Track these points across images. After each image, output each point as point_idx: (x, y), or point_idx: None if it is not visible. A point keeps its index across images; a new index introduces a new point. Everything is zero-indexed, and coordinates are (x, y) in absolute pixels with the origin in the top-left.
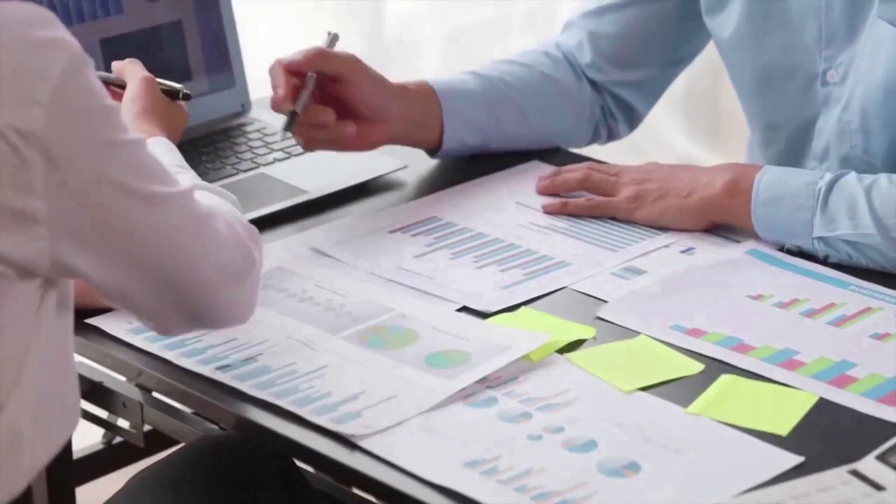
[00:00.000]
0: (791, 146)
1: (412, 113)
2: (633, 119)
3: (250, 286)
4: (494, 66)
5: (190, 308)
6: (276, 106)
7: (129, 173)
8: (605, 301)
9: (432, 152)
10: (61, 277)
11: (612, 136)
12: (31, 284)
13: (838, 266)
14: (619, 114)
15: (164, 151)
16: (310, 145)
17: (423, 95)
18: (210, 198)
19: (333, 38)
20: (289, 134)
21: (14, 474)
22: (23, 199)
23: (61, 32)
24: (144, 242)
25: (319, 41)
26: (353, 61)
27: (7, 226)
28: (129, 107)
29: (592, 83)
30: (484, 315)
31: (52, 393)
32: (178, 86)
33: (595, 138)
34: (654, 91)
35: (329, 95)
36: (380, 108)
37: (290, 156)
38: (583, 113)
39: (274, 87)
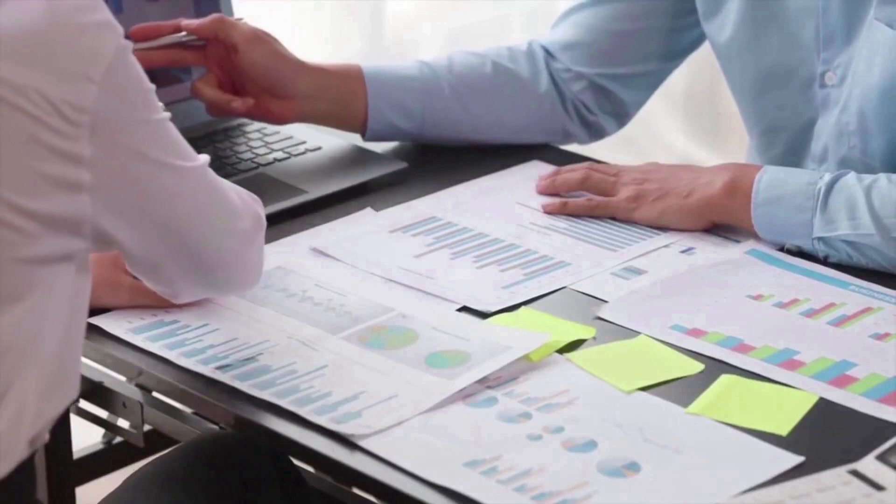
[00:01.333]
0: (789, 149)
1: (326, 92)
2: (622, 115)
3: (258, 247)
4: (446, 56)
5: (211, 271)
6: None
7: (163, 149)
8: (605, 301)
9: (362, 135)
10: (97, 248)
11: (593, 133)
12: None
13: (838, 266)
14: (603, 107)
15: None
16: (211, 110)
17: (346, 77)
18: None
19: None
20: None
21: (15, 445)
22: (72, 169)
23: (110, 16)
24: (176, 212)
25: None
26: (250, 34)
27: (56, 192)
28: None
29: (564, 77)
30: (484, 315)
31: (60, 366)
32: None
33: (568, 136)
34: (644, 86)
35: (232, 66)
36: (280, 83)
37: (290, 156)
38: (540, 107)
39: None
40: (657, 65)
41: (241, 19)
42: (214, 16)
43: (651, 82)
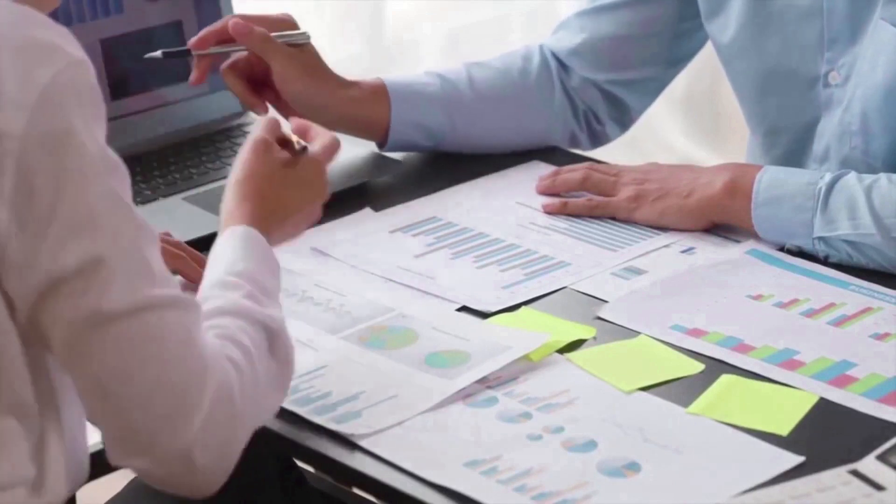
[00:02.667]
0: (792, 149)
1: (348, 107)
2: (626, 120)
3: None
4: (462, 69)
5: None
6: (192, 45)
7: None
8: (605, 301)
9: (380, 145)
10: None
11: (597, 140)
12: None
13: (838, 266)
14: (610, 114)
15: (228, 249)
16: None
17: (370, 94)
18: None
19: (300, 36)
20: (158, 54)
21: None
22: None
23: (58, 38)
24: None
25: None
26: (290, 64)
27: None
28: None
29: (576, 86)
30: (484, 315)
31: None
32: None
33: (574, 143)
34: (651, 91)
35: (267, 74)
36: (311, 107)
37: None
38: (554, 117)
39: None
40: (664, 68)
41: (300, 35)
42: (262, 34)
43: (657, 87)
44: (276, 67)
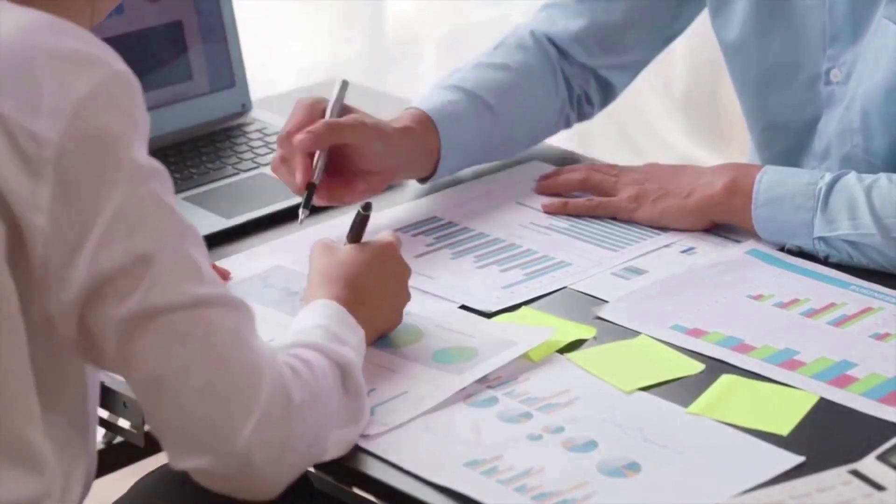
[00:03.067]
0: (791, 146)
1: (414, 154)
2: (609, 98)
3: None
4: (475, 76)
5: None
6: (298, 190)
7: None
8: (605, 301)
9: (423, 180)
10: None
11: (581, 118)
12: None
13: (839, 266)
14: (599, 96)
15: (322, 315)
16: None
17: (423, 131)
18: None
19: (343, 87)
20: (307, 212)
21: None
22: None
23: (97, 50)
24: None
25: (332, 88)
26: (360, 128)
27: None
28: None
29: (574, 72)
30: (484, 315)
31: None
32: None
33: (566, 125)
34: (639, 69)
35: (337, 152)
36: (387, 164)
37: None
38: (559, 105)
39: (279, 159)
40: (658, 48)
41: (345, 82)
42: (323, 126)
43: (645, 65)
44: (358, 142)
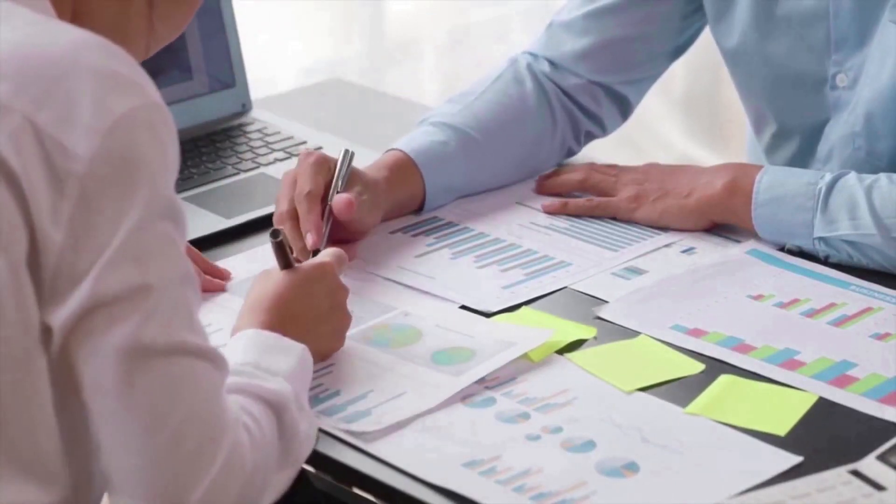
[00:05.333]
0: (800, 150)
1: (399, 202)
2: (625, 112)
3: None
4: (464, 111)
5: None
6: (304, 254)
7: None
8: (605, 301)
9: (414, 211)
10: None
11: (591, 138)
12: None
13: (839, 266)
14: (613, 112)
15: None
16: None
17: (405, 178)
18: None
19: (347, 156)
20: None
21: None
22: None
23: (140, 80)
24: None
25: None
26: (360, 216)
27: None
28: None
29: (580, 90)
30: (484, 315)
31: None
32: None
33: (568, 155)
34: (651, 83)
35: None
36: (376, 219)
37: (290, 156)
38: (558, 142)
39: (286, 214)
40: (668, 61)
41: (351, 154)
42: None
43: (656, 78)
44: (359, 224)
